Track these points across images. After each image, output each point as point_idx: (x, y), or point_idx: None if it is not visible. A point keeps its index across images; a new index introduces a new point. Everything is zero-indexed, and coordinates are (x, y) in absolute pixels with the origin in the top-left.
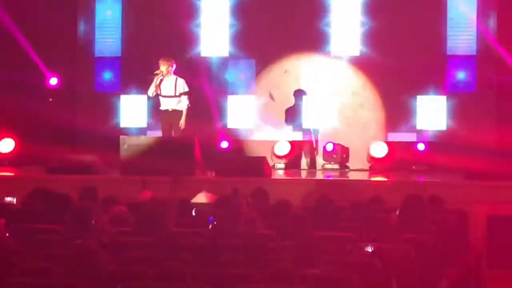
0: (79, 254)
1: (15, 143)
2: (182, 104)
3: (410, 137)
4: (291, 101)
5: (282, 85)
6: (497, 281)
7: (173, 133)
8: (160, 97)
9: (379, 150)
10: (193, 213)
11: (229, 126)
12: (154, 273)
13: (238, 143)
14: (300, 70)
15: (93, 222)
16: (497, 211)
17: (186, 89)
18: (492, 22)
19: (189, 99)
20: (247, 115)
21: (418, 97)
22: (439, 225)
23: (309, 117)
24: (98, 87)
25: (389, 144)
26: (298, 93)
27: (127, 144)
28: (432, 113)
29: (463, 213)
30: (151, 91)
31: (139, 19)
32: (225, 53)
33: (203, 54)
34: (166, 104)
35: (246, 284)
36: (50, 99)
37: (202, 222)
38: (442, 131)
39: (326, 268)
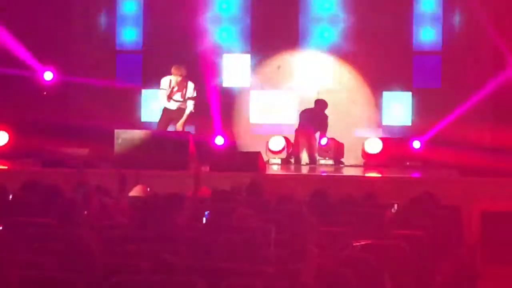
0: (72, 247)
1: (9, 136)
2: (187, 107)
3: (376, 132)
4: (285, 97)
5: (275, 80)
6: (491, 276)
7: (169, 128)
8: (170, 103)
9: (374, 146)
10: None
11: (224, 121)
12: (148, 266)
13: (232, 138)
14: (293, 66)
15: (84, 214)
16: (491, 207)
17: (194, 94)
18: (457, 19)
19: (195, 104)
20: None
21: (384, 93)
22: (433, 221)
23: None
24: (118, 81)
25: (383, 140)
26: (322, 104)
27: (121, 138)
28: (397, 109)
29: (457, 209)
30: (165, 98)
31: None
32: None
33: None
34: (172, 105)
35: (240, 278)
36: (44, 93)
37: (196, 216)
38: (407, 127)
39: (321, 263)
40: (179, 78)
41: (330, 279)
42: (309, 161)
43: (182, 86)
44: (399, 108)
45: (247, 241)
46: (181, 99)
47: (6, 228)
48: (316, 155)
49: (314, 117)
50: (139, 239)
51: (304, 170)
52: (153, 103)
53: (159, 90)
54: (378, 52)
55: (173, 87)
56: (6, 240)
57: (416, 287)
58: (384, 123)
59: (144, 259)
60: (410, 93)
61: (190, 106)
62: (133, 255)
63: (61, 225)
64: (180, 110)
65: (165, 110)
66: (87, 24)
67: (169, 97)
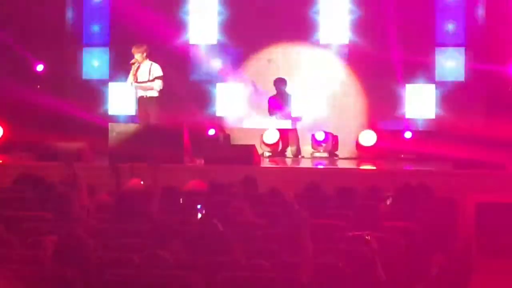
0: (66, 242)
1: (3, 130)
2: (155, 87)
3: (398, 125)
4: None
5: (267, 74)
6: (485, 268)
7: (150, 120)
8: (136, 84)
9: (368, 138)
10: (181, 201)
11: (218, 114)
12: (142, 261)
13: (227, 131)
14: (286, 59)
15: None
16: (485, 199)
17: (160, 73)
18: (480, 12)
19: (163, 83)
20: (236, 103)
21: (407, 85)
22: (428, 213)
23: (296, 106)
24: (86, 74)
25: (377, 132)
26: (279, 82)
27: (116, 132)
28: (421, 101)
29: (452, 201)
30: (130, 80)
31: (127, 7)
32: (213, 41)
33: (191, 42)
34: (141, 91)
35: (234, 272)
36: (38, 86)
37: (190, 210)
38: (431, 120)
39: (316, 256)
40: (142, 56)
41: (324, 271)
42: (295, 154)
43: (146, 66)
44: (422, 100)
45: (242, 234)
46: (147, 79)
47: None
48: (304, 147)
49: (277, 99)
50: (133, 233)
51: (299, 163)
52: (120, 96)
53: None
54: (399, 46)
55: (137, 68)
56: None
57: (410, 279)
58: (407, 116)
59: (138, 254)
60: (433, 86)
61: (157, 85)
62: (126, 250)
63: (56, 219)
64: (152, 97)
65: (139, 100)
66: (55, 18)
67: (135, 80)
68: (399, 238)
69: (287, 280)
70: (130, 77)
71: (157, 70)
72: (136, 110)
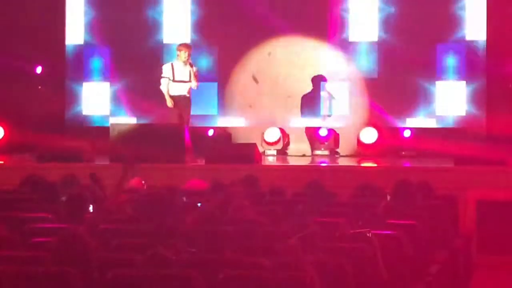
0: (68, 242)
1: (5, 131)
2: (193, 87)
3: (429, 122)
4: (277, 85)
5: (266, 68)
6: (486, 265)
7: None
8: (172, 83)
9: (369, 136)
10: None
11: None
12: (144, 260)
13: (227, 130)
14: (287, 54)
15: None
16: (486, 196)
17: (197, 74)
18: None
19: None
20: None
21: (437, 82)
22: (429, 210)
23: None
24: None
25: (378, 129)
26: (316, 79)
27: (117, 131)
28: (452, 99)
29: (453, 199)
30: (167, 76)
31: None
32: (187, 40)
33: (165, 41)
34: (177, 90)
35: (235, 271)
36: (39, 87)
37: (190, 209)
38: (462, 117)
39: (318, 254)
40: (186, 54)
41: (326, 269)
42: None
43: (187, 65)
44: (452, 97)
45: (243, 233)
46: (188, 79)
47: (3, 223)
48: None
49: (312, 97)
50: (135, 232)
51: (300, 161)
52: (93, 97)
53: (161, 78)
54: (426, 43)
55: (174, 66)
56: (2, 235)
57: (411, 277)
58: (438, 113)
59: (139, 253)
60: (464, 83)
61: (195, 85)
62: (128, 249)
63: (59, 220)
64: (185, 99)
65: (174, 98)
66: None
67: (174, 80)
68: (400, 236)
69: (288, 278)
70: (168, 72)
71: (196, 70)
72: (169, 107)
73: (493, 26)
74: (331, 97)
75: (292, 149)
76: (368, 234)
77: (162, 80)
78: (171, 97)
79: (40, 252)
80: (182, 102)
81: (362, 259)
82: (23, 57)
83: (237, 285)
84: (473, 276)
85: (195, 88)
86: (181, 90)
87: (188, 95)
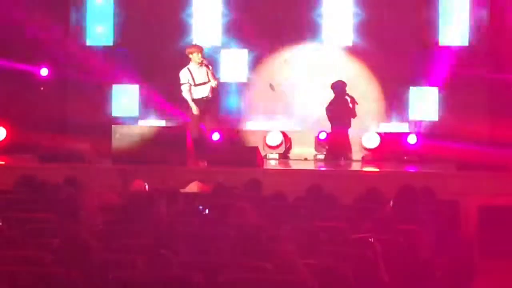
0: (69, 243)
1: (7, 132)
2: (213, 86)
3: (402, 127)
4: (289, 91)
5: (281, 75)
6: (488, 271)
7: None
8: (194, 87)
9: (372, 140)
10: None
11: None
12: (145, 262)
13: (230, 133)
14: (298, 60)
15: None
16: (488, 202)
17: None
18: (485, 13)
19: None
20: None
21: (411, 88)
22: (430, 215)
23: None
24: (90, 77)
25: (381, 135)
26: (338, 85)
27: (119, 134)
28: (424, 104)
29: (455, 204)
30: (187, 81)
31: (130, 8)
32: (218, 43)
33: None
34: (200, 93)
35: (237, 274)
36: (42, 88)
37: (192, 212)
38: (435, 122)
39: (319, 258)
40: (199, 55)
41: (327, 274)
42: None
43: (203, 67)
44: (426, 103)
45: (245, 236)
46: (207, 80)
47: (4, 223)
48: (309, 150)
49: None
50: (136, 234)
51: (302, 165)
52: (123, 98)
53: (180, 85)
54: (401, 47)
55: (196, 69)
56: (4, 236)
57: (413, 282)
58: (411, 118)
59: (141, 255)
60: (436, 89)
61: (215, 83)
62: (129, 251)
63: (60, 221)
64: (209, 100)
65: (198, 102)
66: (58, 19)
67: (195, 84)
68: (402, 241)
69: (289, 282)
70: (187, 76)
71: (212, 69)
72: (193, 111)
73: (475, 32)
74: (354, 101)
75: (294, 153)
76: (370, 239)
77: (183, 87)
78: (195, 101)
79: (40, 252)
80: (207, 104)
81: (364, 264)
82: (28, 58)
83: None
84: (474, 281)
85: (215, 86)
86: (203, 92)
87: (210, 96)
